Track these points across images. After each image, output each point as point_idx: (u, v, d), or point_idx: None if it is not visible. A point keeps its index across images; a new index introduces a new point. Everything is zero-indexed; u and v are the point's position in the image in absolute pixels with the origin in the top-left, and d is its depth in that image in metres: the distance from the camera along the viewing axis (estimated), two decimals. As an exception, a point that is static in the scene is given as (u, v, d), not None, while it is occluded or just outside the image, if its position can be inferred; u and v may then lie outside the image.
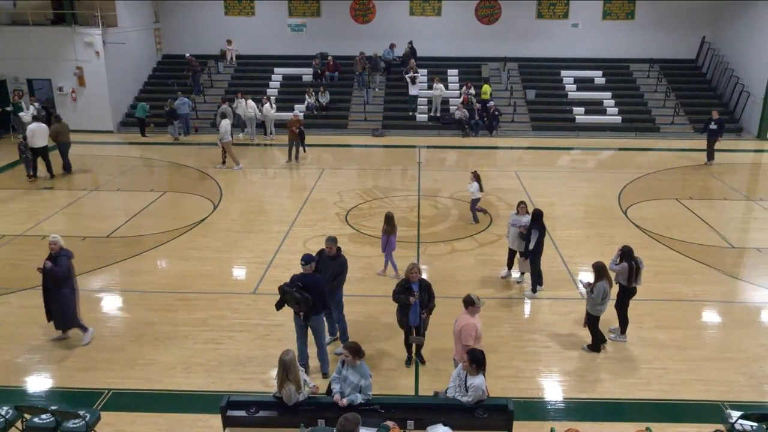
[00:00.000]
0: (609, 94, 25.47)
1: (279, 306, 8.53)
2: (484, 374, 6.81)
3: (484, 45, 27.00)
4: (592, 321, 9.29)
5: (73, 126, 23.23)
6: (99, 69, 23.02)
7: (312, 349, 8.77)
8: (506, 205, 15.67)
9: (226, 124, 18.41)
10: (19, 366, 9.05)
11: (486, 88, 24.36)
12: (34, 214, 15.10)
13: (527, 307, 10.91)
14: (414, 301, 8.52)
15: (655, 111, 24.74)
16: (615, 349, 9.52)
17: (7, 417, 7.09)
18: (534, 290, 11.11)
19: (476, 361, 6.70)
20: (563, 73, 26.55)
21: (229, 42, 26.78)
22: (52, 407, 7.11)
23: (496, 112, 23.67)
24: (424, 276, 9.86)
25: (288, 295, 8.26)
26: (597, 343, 9.39)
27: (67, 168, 18.72)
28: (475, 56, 27.08)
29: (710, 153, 19.62)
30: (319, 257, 9.10)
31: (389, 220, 11.58)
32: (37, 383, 8.70)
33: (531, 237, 10.81)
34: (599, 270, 9.06)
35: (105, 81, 23.20)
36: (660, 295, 11.13)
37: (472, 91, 24.36)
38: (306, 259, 8.52)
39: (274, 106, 23.17)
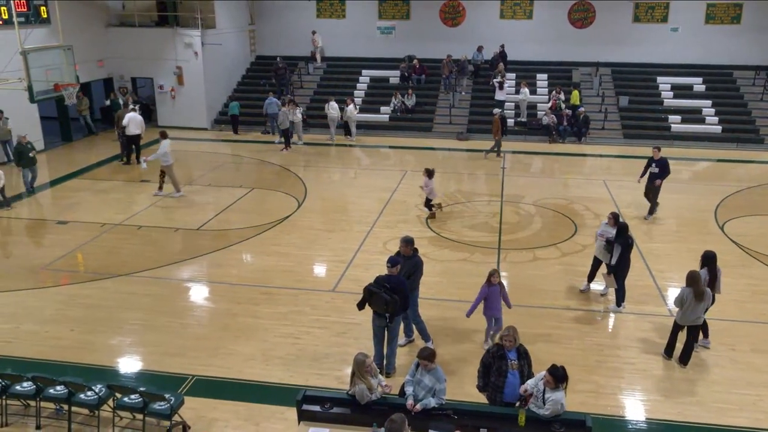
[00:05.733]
0: (709, 102, 24.16)
1: (361, 306, 8.62)
2: (564, 390, 6.63)
3: (576, 49, 26.27)
4: (673, 326, 9.26)
5: (171, 123, 24.57)
6: (197, 69, 24.09)
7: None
8: (593, 215, 15.18)
9: (166, 144, 16.26)
10: (113, 347, 9.61)
11: (575, 93, 23.72)
12: (131, 204, 15.98)
13: (611, 321, 10.52)
14: (513, 370, 6.99)
15: (760, 121, 23.25)
16: (706, 370, 9.03)
17: (100, 395, 7.55)
18: (618, 304, 10.70)
19: (558, 379, 6.53)
20: (659, 79, 25.41)
21: (313, 32, 27.22)
22: (141, 388, 7.50)
23: (585, 119, 22.97)
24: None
25: (376, 296, 8.32)
26: (668, 348, 9.37)
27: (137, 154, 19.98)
28: (565, 61, 26.40)
29: (652, 201, 15.14)
30: (397, 257, 9.18)
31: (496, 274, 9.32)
32: (128, 365, 9.21)
33: (614, 251, 10.45)
34: (688, 278, 8.90)
35: (202, 80, 24.25)
36: (757, 317, 10.46)
37: (562, 96, 23.78)
38: (392, 261, 8.59)
39: (357, 107, 23.50)
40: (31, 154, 16.33)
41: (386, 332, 8.67)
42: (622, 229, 10.42)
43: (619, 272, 10.51)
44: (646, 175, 15.02)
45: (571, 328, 10.15)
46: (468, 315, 9.28)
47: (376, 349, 8.74)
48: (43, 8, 20.00)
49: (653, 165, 14.83)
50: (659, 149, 14.97)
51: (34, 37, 17.01)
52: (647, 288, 11.56)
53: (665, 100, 24.54)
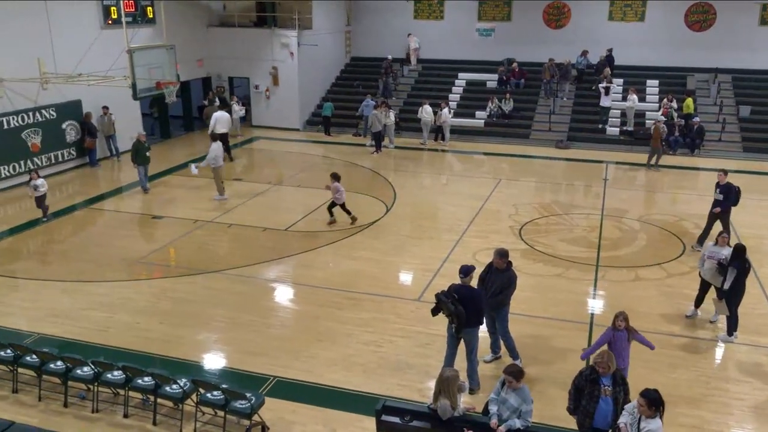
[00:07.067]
0: None
1: (434, 312, 8.65)
2: (661, 418, 6.30)
3: (692, 54, 25.00)
4: None
5: (265, 122, 25.49)
6: (292, 69, 24.84)
7: (462, 362, 8.69)
8: (704, 234, 14.38)
9: (216, 147, 16.61)
10: (199, 343, 10.03)
11: (689, 101, 22.59)
12: (224, 202, 16.64)
13: (719, 352, 9.92)
14: (605, 396, 6.75)
15: None
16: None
17: (185, 389, 7.90)
18: (730, 333, 10.07)
19: (654, 403, 6.21)
20: (788, 88, 23.81)
21: (408, 34, 27.36)
22: (223, 385, 7.78)
23: (699, 130, 21.81)
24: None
25: (443, 304, 8.34)
26: None
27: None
28: (680, 66, 25.19)
29: (703, 234, 13.73)
30: (488, 270, 9.05)
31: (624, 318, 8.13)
32: (212, 361, 9.58)
33: (729, 275, 9.84)
34: None
35: (296, 81, 24.97)
36: None
37: (674, 104, 22.71)
38: (465, 270, 8.50)
39: (452, 111, 23.43)
40: (148, 153, 17.33)
41: (461, 344, 8.61)
42: (740, 252, 9.82)
43: (732, 298, 9.91)
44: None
45: (674, 356, 9.65)
46: (582, 358, 8.49)
47: (447, 352, 8.70)
48: (149, 8, 21.28)
49: (717, 191, 13.51)
50: (726, 173, 13.62)
51: (139, 37, 18.13)
52: (765, 317, 10.81)
53: (794, 111, 22.96)
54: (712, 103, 23.76)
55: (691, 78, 24.64)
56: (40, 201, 15.06)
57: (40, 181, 14.98)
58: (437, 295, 8.49)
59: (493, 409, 6.82)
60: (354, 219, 15.00)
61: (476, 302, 8.36)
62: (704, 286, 10.61)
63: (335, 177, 14.85)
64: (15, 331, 10.16)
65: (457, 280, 8.64)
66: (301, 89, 25.23)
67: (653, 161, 20.10)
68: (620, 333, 8.01)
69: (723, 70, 24.70)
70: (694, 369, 9.35)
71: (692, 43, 25.09)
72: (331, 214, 15.03)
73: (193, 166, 17.26)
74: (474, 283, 8.73)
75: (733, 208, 13.56)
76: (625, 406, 6.60)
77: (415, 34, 27.49)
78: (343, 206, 14.93)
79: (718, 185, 13.55)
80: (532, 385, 7.87)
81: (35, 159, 18.18)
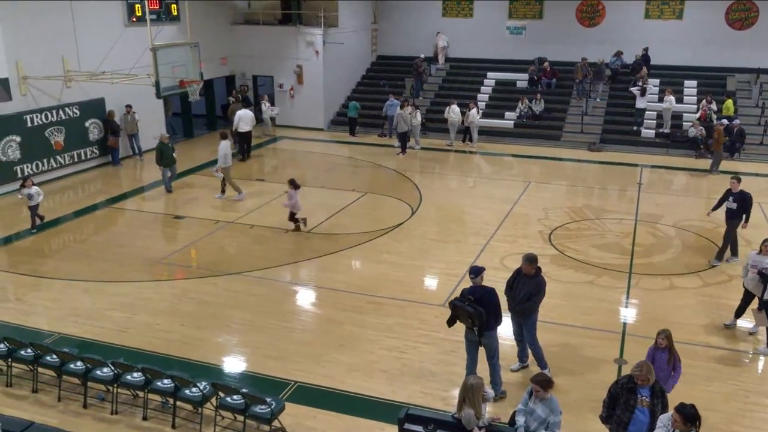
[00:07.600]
0: None
1: (450, 323, 8.59)
2: (697, 434, 6.20)
3: (733, 54, 24.56)
4: None
5: (288, 122, 25.62)
6: (317, 68, 24.96)
7: (484, 372, 8.61)
8: (744, 242, 14.09)
9: (225, 146, 16.61)
10: (219, 345, 10.11)
11: (729, 103, 22.21)
12: (245, 203, 16.77)
13: (760, 365, 9.72)
14: (642, 407, 6.66)
15: None
16: None
17: (204, 392, 7.96)
18: (770, 346, 9.89)
19: (690, 419, 6.10)
20: (835, 89, 23.28)
21: (437, 33, 27.34)
22: (243, 390, 7.82)
23: (740, 132, 21.43)
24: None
25: (460, 310, 8.27)
26: None
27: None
28: (719, 66, 24.77)
29: (732, 246, 13.24)
30: (516, 275, 8.99)
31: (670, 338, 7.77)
32: (232, 364, 9.65)
33: (767, 285, 9.64)
34: None
35: (321, 80, 25.09)
36: None
37: (713, 106, 22.34)
38: (475, 271, 8.47)
39: (480, 112, 23.34)
40: (174, 154, 17.53)
41: (482, 349, 8.54)
42: (780, 261, 9.62)
43: (772, 309, 9.71)
44: (720, 210, 13.36)
45: (710, 369, 9.48)
46: None
47: (467, 360, 8.64)
48: (173, 6, 21.56)
49: (730, 199, 12.98)
50: (739, 180, 13.06)
51: (163, 35, 18.36)
52: (807, 330, 10.57)
53: (841, 114, 22.44)
54: (753, 104, 23.34)
55: (731, 78, 24.23)
56: (34, 210, 14.38)
57: (34, 190, 14.22)
58: (452, 303, 8.44)
59: (520, 420, 6.77)
60: (298, 229, 14.68)
61: (492, 300, 8.30)
62: (747, 297, 10.40)
63: (291, 183, 14.33)
64: (36, 331, 10.35)
65: (488, 285, 8.58)
66: (326, 88, 25.34)
67: (715, 167, 19.85)
68: (661, 353, 7.66)
69: (765, 70, 24.22)
70: (732, 383, 9.17)
71: (733, 43, 24.65)
72: (296, 221, 14.70)
73: (214, 170, 17.39)
74: (497, 287, 8.67)
75: (737, 221, 13.17)
76: (660, 417, 6.50)
77: (444, 32, 27.45)
78: (294, 215, 14.59)
79: (730, 193, 13.11)
80: (559, 395, 7.77)
81: (58, 157, 18.52)
